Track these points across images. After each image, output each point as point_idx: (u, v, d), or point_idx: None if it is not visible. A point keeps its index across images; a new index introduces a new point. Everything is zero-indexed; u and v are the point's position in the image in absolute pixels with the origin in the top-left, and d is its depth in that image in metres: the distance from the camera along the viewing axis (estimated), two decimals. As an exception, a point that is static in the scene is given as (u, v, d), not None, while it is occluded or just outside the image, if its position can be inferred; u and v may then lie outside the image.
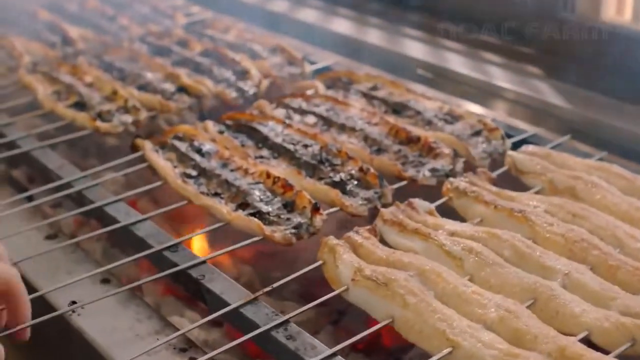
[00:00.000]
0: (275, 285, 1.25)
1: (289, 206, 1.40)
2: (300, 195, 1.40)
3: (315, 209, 1.37)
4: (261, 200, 1.41)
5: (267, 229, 1.35)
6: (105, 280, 1.38)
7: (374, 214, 1.42)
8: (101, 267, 1.38)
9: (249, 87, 1.86)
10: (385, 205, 1.42)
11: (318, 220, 1.37)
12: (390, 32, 2.37)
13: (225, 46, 2.09)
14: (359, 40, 2.31)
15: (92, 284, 1.37)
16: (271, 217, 1.38)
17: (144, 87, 1.87)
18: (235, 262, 1.83)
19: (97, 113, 1.75)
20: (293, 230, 1.36)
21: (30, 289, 1.29)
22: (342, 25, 2.40)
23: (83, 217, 1.94)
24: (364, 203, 1.43)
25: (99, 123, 1.71)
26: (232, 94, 1.84)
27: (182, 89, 1.85)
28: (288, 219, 1.38)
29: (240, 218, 1.38)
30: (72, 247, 1.49)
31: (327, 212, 1.40)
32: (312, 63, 2.05)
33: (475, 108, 1.95)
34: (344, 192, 1.45)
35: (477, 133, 1.64)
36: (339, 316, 1.50)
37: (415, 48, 2.26)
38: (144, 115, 1.75)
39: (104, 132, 1.72)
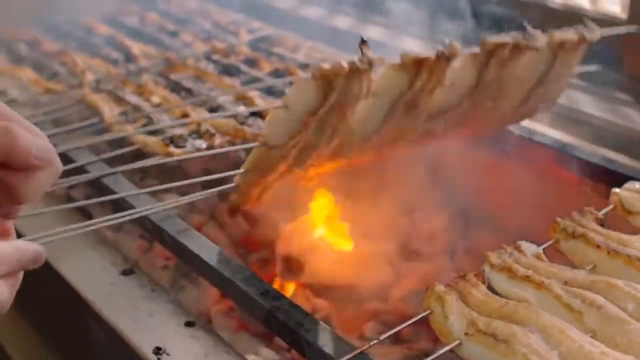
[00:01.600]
0: (383, 337, 1.14)
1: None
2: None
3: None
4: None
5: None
6: (189, 324, 1.29)
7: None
8: (179, 305, 1.31)
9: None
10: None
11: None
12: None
13: (296, 66, 2.00)
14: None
15: (177, 325, 1.28)
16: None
17: (215, 110, 1.78)
18: (308, 294, 1.75)
19: (169, 138, 1.66)
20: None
21: (112, 331, 1.22)
22: (407, 43, 2.31)
23: (147, 242, 1.88)
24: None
25: (172, 149, 1.62)
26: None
27: (256, 113, 1.76)
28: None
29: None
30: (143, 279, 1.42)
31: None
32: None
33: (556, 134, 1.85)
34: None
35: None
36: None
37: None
38: (218, 140, 1.66)
39: (176, 158, 1.63)
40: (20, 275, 0.80)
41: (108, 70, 2.03)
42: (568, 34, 1.53)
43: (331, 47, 2.30)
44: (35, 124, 1.72)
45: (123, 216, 1.44)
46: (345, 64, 1.26)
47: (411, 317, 1.66)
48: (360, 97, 1.33)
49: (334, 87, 1.27)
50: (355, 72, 1.28)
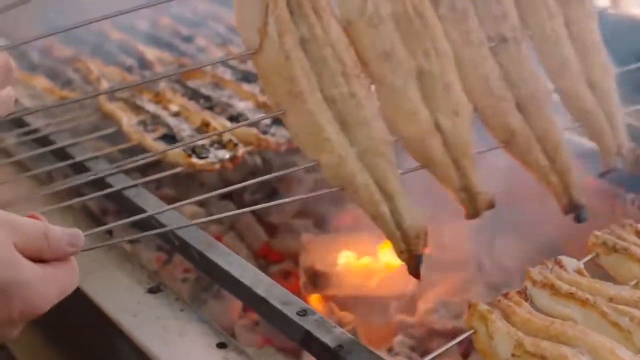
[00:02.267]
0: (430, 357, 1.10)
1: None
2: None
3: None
4: None
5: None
6: (221, 345, 1.24)
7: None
8: (209, 325, 1.28)
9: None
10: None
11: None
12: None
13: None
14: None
15: (208, 347, 1.24)
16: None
17: (235, 119, 1.74)
18: (332, 307, 1.72)
19: (190, 148, 1.62)
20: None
21: (143, 354, 1.18)
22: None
23: (166, 254, 1.84)
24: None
25: (194, 159, 1.58)
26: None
27: (279, 121, 1.71)
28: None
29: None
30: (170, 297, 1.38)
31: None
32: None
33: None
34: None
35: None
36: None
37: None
38: (241, 150, 1.62)
39: (199, 169, 1.59)
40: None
41: (123, 77, 1.98)
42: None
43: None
44: (50, 134, 1.69)
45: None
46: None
47: (440, 331, 1.62)
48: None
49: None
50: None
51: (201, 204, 2.06)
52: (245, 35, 1.12)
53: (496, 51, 1.31)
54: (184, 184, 2.17)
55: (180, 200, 2.04)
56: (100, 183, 1.57)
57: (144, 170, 2.10)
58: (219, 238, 1.80)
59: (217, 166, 1.59)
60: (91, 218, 1.83)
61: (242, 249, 1.87)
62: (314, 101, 1.13)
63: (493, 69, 1.29)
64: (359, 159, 1.17)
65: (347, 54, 1.17)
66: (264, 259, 1.88)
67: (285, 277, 1.80)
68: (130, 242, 1.86)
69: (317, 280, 1.73)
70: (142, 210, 1.44)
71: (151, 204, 1.47)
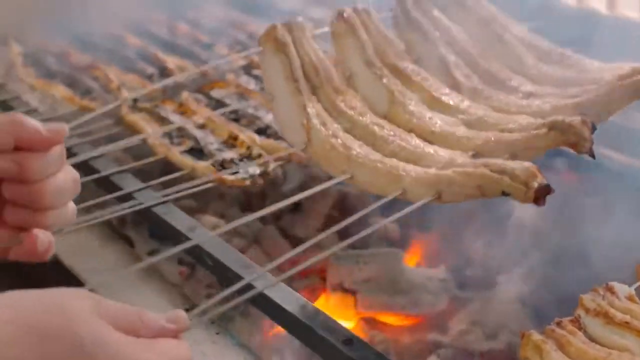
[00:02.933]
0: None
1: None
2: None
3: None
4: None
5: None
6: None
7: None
8: (249, 352, 1.24)
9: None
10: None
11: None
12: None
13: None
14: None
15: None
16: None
17: (263, 131, 1.70)
18: (362, 326, 1.68)
19: (219, 162, 1.58)
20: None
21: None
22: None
23: (188, 267, 1.80)
24: None
25: (225, 175, 1.54)
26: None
27: (307, 135, 1.67)
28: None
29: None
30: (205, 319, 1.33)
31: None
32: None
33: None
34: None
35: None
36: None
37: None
38: (272, 165, 1.57)
39: (230, 185, 1.55)
40: None
41: (143, 86, 1.94)
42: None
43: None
44: (72, 146, 1.64)
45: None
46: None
47: (475, 352, 1.58)
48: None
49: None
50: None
51: (222, 215, 2.01)
52: (290, 136, 1.30)
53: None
54: (203, 195, 2.12)
55: (201, 212, 2.02)
56: (128, 199, 1.53)
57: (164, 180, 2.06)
58: (242, 252, 1.76)
59: (248, 182, 1.55)
60: (110, 228, 1.80)
61: (266, 264, 1.82)
62: (376, 158, 1.22)
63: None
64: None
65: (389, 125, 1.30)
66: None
67: (312, 294, 1.75)
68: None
69: (345, 297, 1.69)
70: (176, 231, 1.41)
71: (186, 224, 1.44)
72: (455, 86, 1.41)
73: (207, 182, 1.53)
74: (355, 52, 1.40)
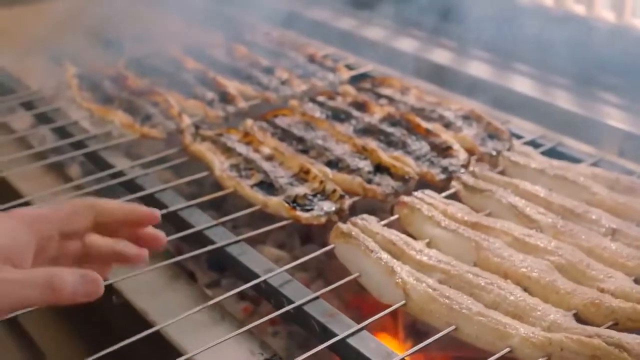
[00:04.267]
0: None
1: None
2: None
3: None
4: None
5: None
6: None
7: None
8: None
9: (454, 167, 1.62)
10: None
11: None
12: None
13: (410, 111, 1.84)
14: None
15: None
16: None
17: (334, 164, 1.63)
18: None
19: (291, 198, 1.51)
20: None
21: None
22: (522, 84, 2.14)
23: (253, 305, 1.74)
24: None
25: (299, 212, 1.47)
26: (440, 175, 1.60)
27: (381, 168, 1.60)
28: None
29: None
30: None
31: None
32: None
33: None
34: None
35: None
36: None
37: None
38: (348, 202, 1.51)
39: (305, 223, 1.48)
40: None
41: (205, 112, 1.87)
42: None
43: (433, 83, 2.15)
44: (135, 178, 1.58)
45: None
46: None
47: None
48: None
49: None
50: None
51: (281, 245, 1.95)
52: (387, 298, 1.30)
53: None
54: (261, 224, 2.06)
55: (260, 240, 1.96)
56: (201, 238, 1.47)
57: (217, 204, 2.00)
58: (307, 286, 1.69)
59: (324, 219, 1.48)
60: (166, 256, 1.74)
61: (333, 299, 1.75)
62: (479, 309, 1.21)
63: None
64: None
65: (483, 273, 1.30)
66: (357, 310, 1.76)
67: (381, 332, 1.68)
68: (210, 286, 1.77)
69: (418, 336, 1.62)
70: (253, 273, 1.35)
71: (255, 261, 1.38)
72: (533, 226, 1.42)
73: (283, 221, 1.47)
74: (426, 221, 1.43)
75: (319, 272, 1.85)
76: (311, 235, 2.05)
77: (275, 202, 1.50)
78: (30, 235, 0.92)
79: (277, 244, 1.96)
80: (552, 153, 1.70)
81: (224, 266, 1.75)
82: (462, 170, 1.60)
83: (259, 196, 1.53)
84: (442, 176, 1.59)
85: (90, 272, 0.91)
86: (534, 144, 1.74)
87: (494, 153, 1.67)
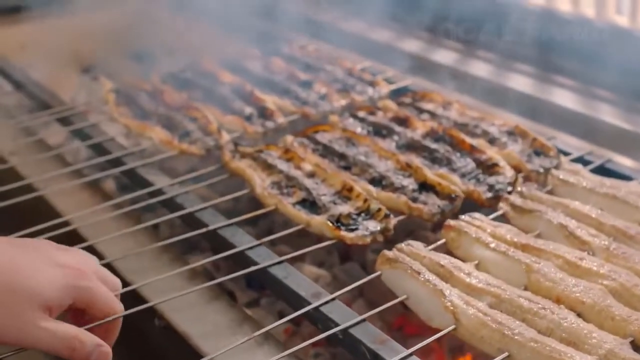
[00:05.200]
0: None
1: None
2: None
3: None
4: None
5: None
6: None
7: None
8: None
9: (501, 185, 1.57)
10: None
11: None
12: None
13: (452, 126, 1.80)
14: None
15: None
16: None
17: (378, 182, 1.59)
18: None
19: (335, 217, 1.47)
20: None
21: None
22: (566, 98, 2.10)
23: (294, 325, 1.71)
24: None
25: (344, 232, 1.44)
26: (486, 193, 1.56)
27: (426, 186, 1.56)
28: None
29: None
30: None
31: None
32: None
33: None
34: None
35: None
36: None
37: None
38: (393, 221, 1.47)
39: (350, 244, 1.45)
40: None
41: (244, 128, 1.84)
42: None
43: (474, 97, 2.11)
44: (176, 195, 1.54)
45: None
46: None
47: None
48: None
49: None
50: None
51: (321, 264, 1.92)
52: (437, 322, 1.27)
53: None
54: (299, 241, 2.02)
55: (298, 257, 1.92)
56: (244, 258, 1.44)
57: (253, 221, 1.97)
58: (348, 305, 1.66)
59: (369, 239, 1.44)
60: (205, 275, 1.72)
61: (376, 320, 1.71)
62: (533, 336, 1.17)
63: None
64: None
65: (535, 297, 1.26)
66: (400, 331, 1.72)
67: (426, 354, 1.64)
68: (249, 305, 1.75)
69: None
70: (299, 297, 1.31)
71: (301, 285, 1.34)
72: (585, 248, 1.38)
73: (326, 241, 1.44)
74: (474, 244, 1.39)
75: (360, 291, 1.81)
76: (350, 252, 2.01)
77: (318, 222, 1.47)
78: (67, 298, 1.06)
79: (317, 262, 1.93)
80: (602, 171, 1.66)
81: (263, 284, 1.72)
82: (509, 187, 1.56)
83: (302, 215, 1.50)
84: (489, 194, 1.55)
85: (105, 345, 1.06)
86: (582, 161, 1.70)
87: (542, 170, 1.62)
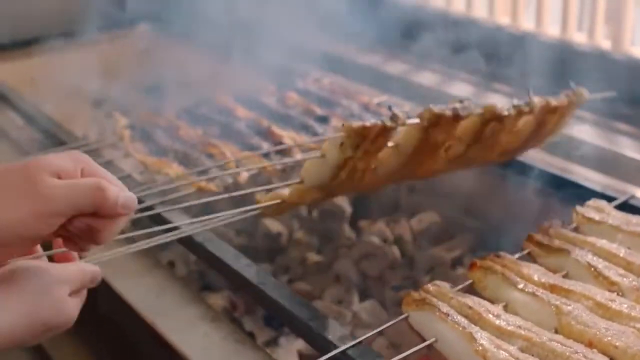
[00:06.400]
0: None
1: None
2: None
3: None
4: None
5: None
6: None
7: None
8: None
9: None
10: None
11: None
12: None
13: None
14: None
15: None
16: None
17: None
18: None
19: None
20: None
21: None
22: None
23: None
24: None
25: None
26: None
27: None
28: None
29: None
30: None
31: None
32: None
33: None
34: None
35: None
36: None
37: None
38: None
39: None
40: (84, 293, 1.03)
41: (262, 165, 1.82)
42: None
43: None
44: (196, 234, 1.52)
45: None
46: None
47: None
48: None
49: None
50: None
51: (339, 302, 1.90)
52: None
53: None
54: (318, 278, 2.01)
55: (316, 295, 1.90)
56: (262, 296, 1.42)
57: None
58: (368, 344, 1.63)
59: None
60: (227, 316, 1.71)
61: (397, 359, 1.69)
62: None
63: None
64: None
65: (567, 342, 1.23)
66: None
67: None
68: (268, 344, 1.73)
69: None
70: (327, 341, 1.29)
71: (337, 335, 1.32)
72: (614, 289, 1.36)
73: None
74: (501, 284, 1.37)
75: (381, 331, 1.79)
76: (369, 289, 1.99)
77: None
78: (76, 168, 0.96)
79: (335, 300, 1.91)
80: (625, 207, 1.64)
81: (281, 322, 1.71)
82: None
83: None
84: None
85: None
86: (605, 197, 1.68)
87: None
